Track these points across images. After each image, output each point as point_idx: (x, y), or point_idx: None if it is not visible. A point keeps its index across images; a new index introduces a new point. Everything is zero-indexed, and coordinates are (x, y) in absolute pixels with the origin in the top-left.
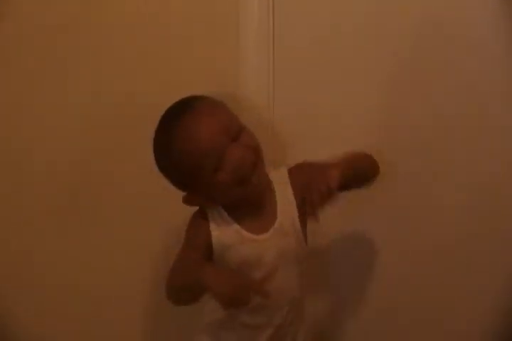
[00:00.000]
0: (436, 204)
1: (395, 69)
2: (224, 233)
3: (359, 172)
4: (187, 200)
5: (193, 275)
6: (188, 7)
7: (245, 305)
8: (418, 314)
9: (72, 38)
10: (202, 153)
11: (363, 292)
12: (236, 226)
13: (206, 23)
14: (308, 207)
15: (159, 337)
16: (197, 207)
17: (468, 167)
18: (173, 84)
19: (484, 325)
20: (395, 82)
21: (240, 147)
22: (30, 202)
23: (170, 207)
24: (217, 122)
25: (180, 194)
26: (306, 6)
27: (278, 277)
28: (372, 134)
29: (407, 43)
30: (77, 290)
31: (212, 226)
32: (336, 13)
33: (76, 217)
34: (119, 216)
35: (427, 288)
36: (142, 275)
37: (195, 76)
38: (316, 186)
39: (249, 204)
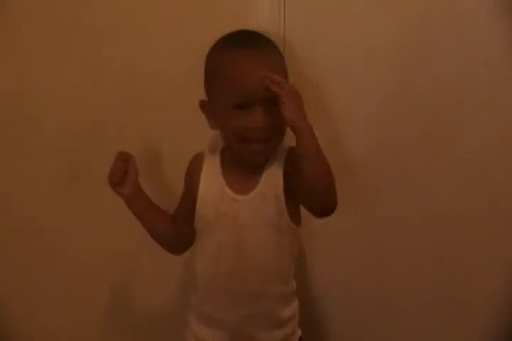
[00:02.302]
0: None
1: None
2: (210, 184)
3: (306, 160)
4: (200, 103)
5: None
6: None
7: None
8: (418, 314)
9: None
10: (237, 86)
11: (359, 291)
12: (221, 181)
13: None
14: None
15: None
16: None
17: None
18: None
19: (484, 325)
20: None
21: (265, 119)
22: (34, 175)
23: (168, 183)
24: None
25: (180, 172)
26: None
27: (252, 240)
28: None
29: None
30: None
31: (203, 176)
32: None
33: (78, 192)
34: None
35: (427, 288)
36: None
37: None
38: None
39: (241, 162)
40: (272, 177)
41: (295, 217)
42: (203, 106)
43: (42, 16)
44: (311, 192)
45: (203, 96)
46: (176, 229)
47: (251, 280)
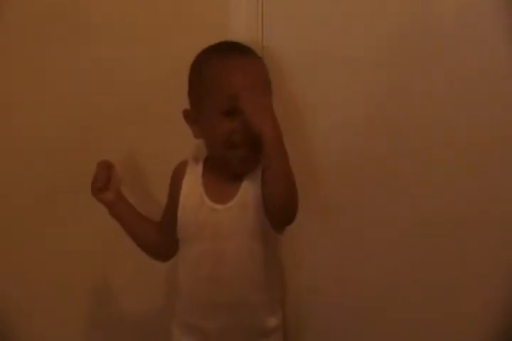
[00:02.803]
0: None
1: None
2: (190, 193)
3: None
4: (184, 113)
5: None
6: None
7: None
8: (417, 314)
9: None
10: (225, 92)
11: (352, 291)
12: (201, 191)
13: None
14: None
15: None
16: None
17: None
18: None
19: (484, 325)
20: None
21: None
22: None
23: (151, 192)
24: (254, 80)
25: (164, 180)
26: None
27: (230, 250)
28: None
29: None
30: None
31: (184, 184)
32: None
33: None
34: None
35: (426, 288)
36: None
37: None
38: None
39: (223, 172)
40: (251, 187)
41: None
42: (187, 115)
43: (30, 23)
44: (270, 206)
45: (186, 105)
46: (162, 236)
47: (230, 290)
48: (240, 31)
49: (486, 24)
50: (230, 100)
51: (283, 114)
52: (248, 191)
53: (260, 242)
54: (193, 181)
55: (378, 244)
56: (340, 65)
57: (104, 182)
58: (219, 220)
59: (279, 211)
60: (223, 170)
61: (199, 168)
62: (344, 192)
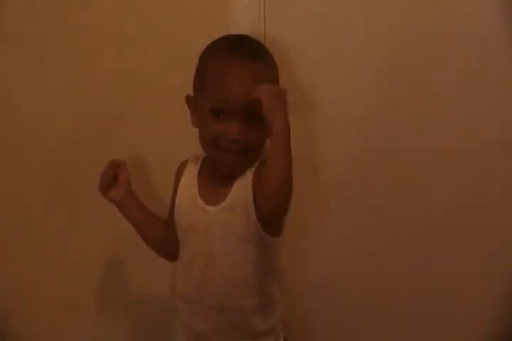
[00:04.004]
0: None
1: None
2: (184, 193)
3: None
4: (186, 98)
5: None
6: None
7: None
8: (417, 314)
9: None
10: (219, 91)
11: (353, 289)
12: (195, 191)
13: None
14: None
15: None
16: None
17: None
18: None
19: (484, 325)
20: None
21: (239, 131)
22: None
23: (157, 187)
24: (254, 85)
25: (169, 177)
26: None
27: (219, 251)
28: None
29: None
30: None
31: (181, 184)
32: None
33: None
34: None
35: (426, 288)
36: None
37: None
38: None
39: (217, 173)
40: (242, 190)
41: (275, 229)
42: (189, 100)
43: (27, 25)
44: (266, 191)
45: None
46: (168, 233)
47: (219, 292)
48: (242, 29)
49: (485, 24)
50: (222, 102)
51: None
52: (238, 194)
53: (252, 246)
54: (189, 180)
55: (379, 243)
56: (341, 63)
57: (109, 181)
58: (209, 222)
59: (274, 196)
60: (217, 171)
61: (196, 168)
62: (344, 191)
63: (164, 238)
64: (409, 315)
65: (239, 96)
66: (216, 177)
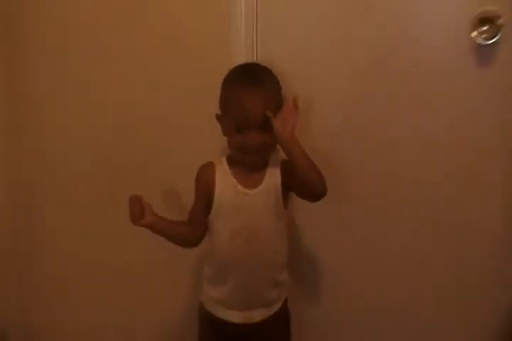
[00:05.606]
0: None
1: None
2: (225, 185)
3: (302, 170)
4: (217, 116)
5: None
6: None
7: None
8: (417, 314)
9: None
10: (238, 116)
11: (361, 290)
12: (234, 181)
13: None
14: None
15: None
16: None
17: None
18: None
19: (484, 325)
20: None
21: (257, 138)
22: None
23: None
24: (263, 107)
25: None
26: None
27: (259, 223)
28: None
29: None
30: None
31: (218, 180)
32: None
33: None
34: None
35: (426, 288)
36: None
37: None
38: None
39: (245, 165)
40: (272, 177)
41: (285, 204)
42: (218, 118)
43: (48, 48)
44: (307, 186)
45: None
46: (193, 228)
47: (259, 253)
48: (239, 45)
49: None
50: (241, 122)
51: None
52: (270, 180)
53: (279, 217)
54: (224, 176)
55: (383, 235)
56: (330, 74)
57: (140, 211)
58: (250, 202)
59: (320, 189)
60: (245, 165)
61: (225, 166)
62: (345, 190)
63: (189, 233)
64: (413, 313)
65: (254, 118)
66: (246, 170)
